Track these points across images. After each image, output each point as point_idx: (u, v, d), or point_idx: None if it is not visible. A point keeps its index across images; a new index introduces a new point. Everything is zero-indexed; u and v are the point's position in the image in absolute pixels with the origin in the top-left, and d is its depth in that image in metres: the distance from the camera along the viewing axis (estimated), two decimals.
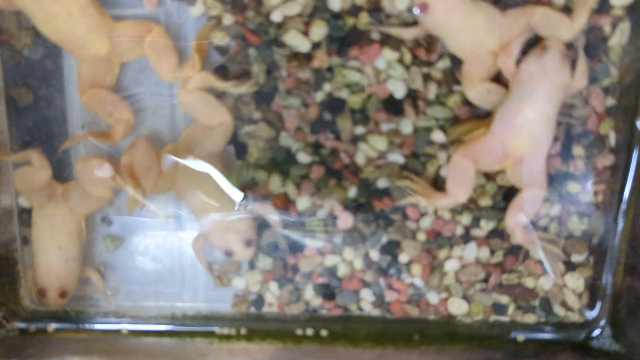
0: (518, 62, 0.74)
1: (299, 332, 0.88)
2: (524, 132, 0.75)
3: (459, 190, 0.78)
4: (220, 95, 0.80)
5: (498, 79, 0.77)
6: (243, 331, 0.89)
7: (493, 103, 0.77)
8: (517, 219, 0.79)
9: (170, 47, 0.78)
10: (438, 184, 0.82)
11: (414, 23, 0.76)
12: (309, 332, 0.88)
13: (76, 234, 0.84)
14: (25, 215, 0.87)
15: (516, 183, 0.79)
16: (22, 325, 0.90)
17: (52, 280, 0.84)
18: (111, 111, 0.79)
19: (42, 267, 0.84)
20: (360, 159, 0.81)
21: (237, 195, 0.81)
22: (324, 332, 0.88)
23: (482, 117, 0.79)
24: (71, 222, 0.83)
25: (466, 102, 0.79)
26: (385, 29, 0.76)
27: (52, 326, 0.90)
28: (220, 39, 0.77)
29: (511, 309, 0.86)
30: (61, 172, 0.85)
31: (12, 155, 0.83)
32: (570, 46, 0.76)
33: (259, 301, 0.88)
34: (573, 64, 0.75)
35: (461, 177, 0.78)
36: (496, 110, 0.76)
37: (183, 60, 0.79)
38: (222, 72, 0.80)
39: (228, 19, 0.78)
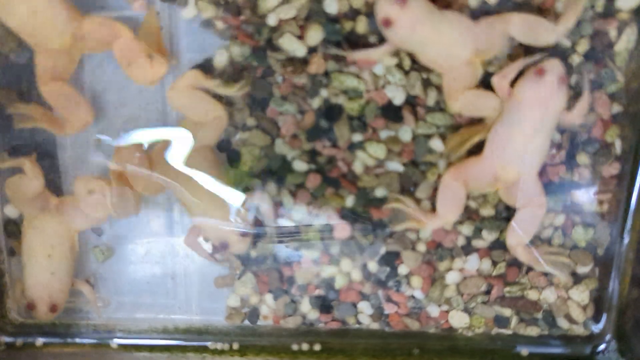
0: (513, 82, 0.73)
1: (295, 346, 0.87)
2: (514, 159, 0.74)
3: (449, 211, 0.77)
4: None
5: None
6: (236, 346, 0.88)
7: (481, 109, 0.75)
8: (517, 239, 0.78)
9: (140, 52, 0.75)
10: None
11: (382, 41, 0.74)
12: (305, 346, 0.87)
13: (68, 247, 0.82)
14: (12, 227, 0.85)
15: (510, 203, 0.78)
16: (9, 339, 0.88)
17: (42, 294, 0.82)
18: (70, 108, 0.77)
19: (32, 281, 0.82)
20: (358, 167, 0.79)
21: (236, 198, 0.80)
22: (320, 347, 0.87)
23: (482, 124, 0.77)
24: (64, 235, 0.82)
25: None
26: (352, 54, 0.75)
27: (41, 340, 0.88)
28: (238, 88, 0.77)
29: (514, 321, 0.85)
30: (54, 183, 0.84)
31: (4, 162, 0.81)
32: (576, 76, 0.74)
33: (254, 314, 0.86)
34: (575, 95, 0.74)
35: (451, 198, 0.77)
36: (489, 132, 0.75)
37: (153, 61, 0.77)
38: (207, 67, 0.78)
39: (221, 23, 0.76)
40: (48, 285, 0.82)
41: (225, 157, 0.81)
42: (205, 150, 0.79)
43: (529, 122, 0.72)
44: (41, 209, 0.81)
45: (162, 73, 0.76)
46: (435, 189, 0.80)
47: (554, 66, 0.71)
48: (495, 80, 0.73)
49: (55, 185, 0.84)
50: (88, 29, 0.75)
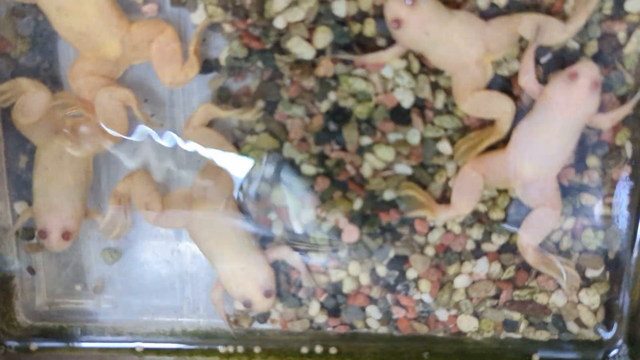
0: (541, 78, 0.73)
1: (303, 350, 0.87)
2: (537, 157, 0.73)
3: (464, 201, 0.77)
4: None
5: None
6: (244, 349, 0.88)
7: (491, 111, 0.75)
8: (529, 239, 0.78)
9: (177, 51, 0.76)
10: (447, 196, 0.80)
11: (391, 43, 0.74)
12: (313, 350, 0.87)
13: (84, 172, 0.79)
14: (25, 232, 0.85)
15: (525, 202, 0.77)
16: (17, 342, 0.88)
17: (54, 220, 0.79)
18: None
19: (44, 207, 0.79)
20: (366, 171, 0.79)
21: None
22: (329, 350, 0.87)
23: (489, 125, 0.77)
24: (79, 159, 0.79)
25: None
26: (362, 57, 0.74)
27: (48, 343, 0.88)
28: (252, 114, 0.78)
29: (523, 325, 0.84)
30: None
31: (1, 86, 0.78)
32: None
33: (262, 317, 0.86)
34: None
35: (468, 189, 0.76)
36: (516, 128, 0.74)
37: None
38: (224, 94, 0.79)
39: (229, 26, 0.76)
40: (61, 212, 0.79)
41: None
42: (227, 200, 0.79)
43: (557, 123, 0.71)
44: (55, 131, 0.79)
45: (191, 76, 0.76)
46: (444, 191, 0.80)
47: (588, 70, 0.70)
48: (522, 81, 0.73)
49: None
50: (136, 33, 0.75)
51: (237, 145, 0.80)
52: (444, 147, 0.78)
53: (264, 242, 0.82)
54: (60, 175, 0.79)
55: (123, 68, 0.79)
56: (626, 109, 0.74)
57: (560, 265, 0.79)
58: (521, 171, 0.74)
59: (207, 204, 0.79)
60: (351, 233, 0.81)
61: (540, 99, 0.72)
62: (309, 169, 0.80)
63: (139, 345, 0.88)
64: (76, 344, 0.88)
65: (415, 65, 0.76)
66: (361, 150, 0.79)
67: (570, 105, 0.71)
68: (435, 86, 0.77)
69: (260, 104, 0.78)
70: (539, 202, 0.76)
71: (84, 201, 0.81)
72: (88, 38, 0.75)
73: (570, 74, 0.70)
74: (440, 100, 0.77)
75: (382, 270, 0.83)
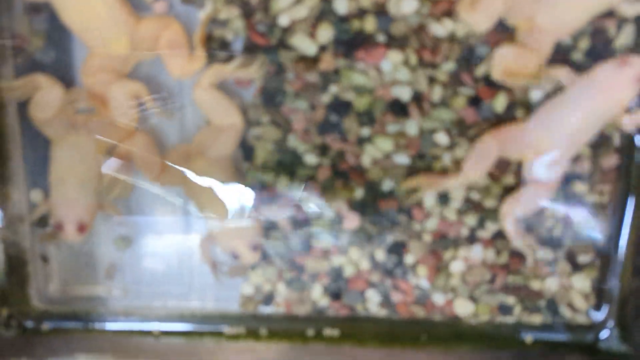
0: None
1: (306, 332, 0.89)
2: (559, 131, 0.74)
3: (475, 168, 0.78)
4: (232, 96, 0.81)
5: None
6: (251, 331, 0.89)
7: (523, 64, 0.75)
8: (512, 209, 0.80)
9: (184, 45, 0.78)
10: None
11: (390, 39, 0.76)
12: (316, 332, 0.88)
13: (98, 167, 0.81)
14: (40, 220, 0.87)
15: (529, 177, 0.79)
16: (31, 324, 0.90)
17: (70, 213, 0.81)
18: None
19: (60, 200, 0.81)
20: (366, 161, 0.81)
21: (247, 198, 0.82)
22: (330, 332, 0.89)
23: (486, 120, 0.79)
24: (93, 153, 0.80)
25: (471, 104, 0.79)
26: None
27: (61, 326, 0.90)
28: (256, 68, 0.78)
29: (517, 309, 0.86)
30: None
31: (16, 83, 0.80)
32: None
33: (267, 301, 0.88)
34: None
35: (482, 155, 0.78)
36: (544, 104, 0.76)
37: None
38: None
39: (236, 22, 0.78)
40: (76, 205, 0.81)
41: (240, 151, 0.83)
42: (223, 159, 0.81)
43: (592, 103, 0.73)
44: (70, 126, 0.80)
45: (197, 67, 0.78)
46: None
47: (638, 62, 0.72)
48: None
49: None
50: (144, 29, 0.77)
51: (244, 137, 0.82)
52: (441, 138, 0.80)
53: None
54: (74, 170, 0.80)
55: (132, 63, 0.80)
56: None
57: (523, 244, 0.82)
58: (539, 142, 0.76)
59: (204, 161, 0.81)
60: (352, 220, 0.83)
61: (581, 79, 0.73)
62: (311, 159, 0.82)
63: (149, 328, 0.90)
64: (89, 326, 0.90)
65: (413, 60, 0.78)
66: (361, 141, 0.81)
67: (613, 88, 0.72)
68: (432, 79, 0.79)
69: (262, 58, 0.79)
70: (538, 179, 0.78)
71: (98, 195, 0.82)
72: (97, 34, 0.77)
73: (621, 60, 0.72)
74: (437, 93, 0.79)
75: (381, 256, 0.85)
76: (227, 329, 0.89)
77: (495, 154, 0.78)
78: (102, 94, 0.79)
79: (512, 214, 0.80)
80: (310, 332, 0.89)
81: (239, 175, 0.82)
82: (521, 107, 0.79)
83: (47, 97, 0.79)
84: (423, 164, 0.81)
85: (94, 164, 0.81)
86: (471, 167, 0.79)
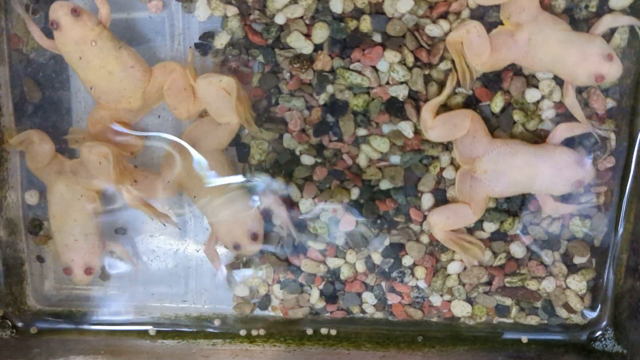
0: None
1: (302, 334, 0.89)
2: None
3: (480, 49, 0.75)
4: None
5: None
6: (246, 333, 0.89)
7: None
8: (438, 218, 0.81)
9: (188, 88, 0.79)
10: (441, 187, 0.82)
11: (385, 39, 0.76)
12: (312, 333, 0.89)
13: (91, 208, 0.82)
14: (32, 214, 0.87)
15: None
16: (27, 325, 0.90)
17: (75, 257, 0.82)
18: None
19: (63, 246, 0.82)
20: (362, 161, 0.82)
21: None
22: (327, 334, 0.89)
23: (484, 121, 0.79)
24: (84, 196, 0.81)
25: (467, 104, 0.80)
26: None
27: (57, 326, 0.90)
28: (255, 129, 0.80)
29: (514, 311, 0.86)
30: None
31: (14, 138, 0.83)
32: None
33: (263, 304, 0.88)
34: None
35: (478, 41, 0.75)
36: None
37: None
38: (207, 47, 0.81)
39: (232, 22, 0.79)
40: (79, 249, 0.82)
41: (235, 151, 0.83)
42: (216, 152, 0.81)
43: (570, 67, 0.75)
44: (58, 173, 0.82)
45: (201, 108, 0.80)
46: (437, 182, 0.82)
47: (617, 67, 0.74)
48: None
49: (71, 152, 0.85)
50: (154, 81, 0.78)
51: (239, 137, 0.82)
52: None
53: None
54: (70, 214, 0.82)
55: (142, 115, 0.82)
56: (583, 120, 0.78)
57: (467, 244, 0.81)
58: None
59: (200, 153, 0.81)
60: (348, 222, 0.83)
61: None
62: (307, 159, 0.82)
63: (145, 329, 0.90)
64: (85, 327, 0.90)
65: (410, 59, 0.78)
66: (357, 142, 0.81)
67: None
68: (428, 79, 0.79)
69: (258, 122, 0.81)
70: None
71: (99, 235, 0.84)
72: (110, 93, 0.78)
73: (609, 54, 0.74)
74: (433, 93, 0.79)
75: (377, 258, 0.84)
76: (222, 331, 0.89)
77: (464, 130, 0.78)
78: (107, 141, 0.81)
79: (438, 223, 0.81)
80: (307, 334, 0.89)
81: (233, 169, 0.82)
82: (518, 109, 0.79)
83: (37, 151, 0.82)
84: (420, 164, 0.81)
85: (87, 205, 0.82)
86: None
